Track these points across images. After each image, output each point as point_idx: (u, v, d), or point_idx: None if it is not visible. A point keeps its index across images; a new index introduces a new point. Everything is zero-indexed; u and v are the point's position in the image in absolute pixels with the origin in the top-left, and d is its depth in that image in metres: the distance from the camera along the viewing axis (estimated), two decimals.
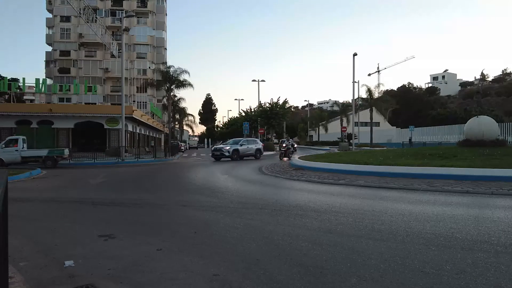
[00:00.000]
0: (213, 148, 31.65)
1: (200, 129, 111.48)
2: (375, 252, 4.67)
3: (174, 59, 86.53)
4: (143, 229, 6.44)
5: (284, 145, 28.85)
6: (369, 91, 50.63)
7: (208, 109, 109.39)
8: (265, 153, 36.86)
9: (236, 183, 13.76)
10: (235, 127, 65.54)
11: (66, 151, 24.19)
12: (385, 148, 36.29)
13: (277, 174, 15.76)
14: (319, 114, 79.23)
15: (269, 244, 5.15)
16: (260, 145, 30.10)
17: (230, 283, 3.80)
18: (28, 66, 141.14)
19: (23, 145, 22.79)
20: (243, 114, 56.73)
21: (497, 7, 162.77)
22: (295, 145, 43.58)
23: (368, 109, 51.77)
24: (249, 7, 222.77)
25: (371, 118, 50.47)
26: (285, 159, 26.04)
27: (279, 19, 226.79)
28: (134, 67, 59.95)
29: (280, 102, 45.22)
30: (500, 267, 4.04)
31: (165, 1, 67.16)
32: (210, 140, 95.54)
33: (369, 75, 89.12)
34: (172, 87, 46.17)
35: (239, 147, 27.87)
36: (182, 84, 45.94)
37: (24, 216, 7.58)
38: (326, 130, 71.95)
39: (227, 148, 27.75)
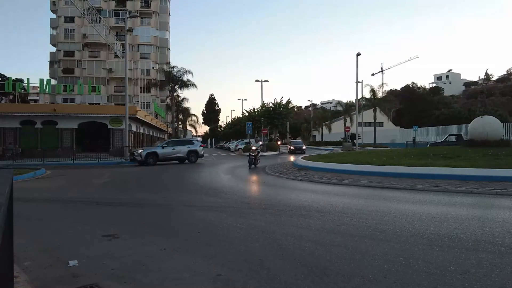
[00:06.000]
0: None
1: (203, 129, 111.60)
2: (379, 252, 4.66)
3: (177, 59, 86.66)
4: (146, 229, 6.45)
5: (254, 148, 21.15)
6: (372, 91, 50.45)
7: (211, 109, 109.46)
8: (266, 153, 36.68)
9: (239, 183, 13.78)
10: (238, 127, 65.50)
11: None
12: (388, 148, 36.16)
13: (280, 174, 15.76)
14: (323, 114, 78.96)
15: (273, 244, 5.15)
16: (196, 146, 25.93)
17: (234, 283, 3.80)
18: (33, 67, 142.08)
19: None
20: (246, 114, 56.64)
21: (501, 7, 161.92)
22: (304, 147, 40.14)
23: (372, 109, 51.55)
24: (253, 7, 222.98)
25: (375, 118, 50.29)
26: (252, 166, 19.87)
27: (283, 19, 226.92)
28: (137, 68, 60.10)
29: (284, 102, 45.13)
30: (504, 268, 4.02)
31: (169, 2, 67.29)
32: (213, 140, 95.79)
33: (373, 75, 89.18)
34: (175, 87, 46.24)
35: (159, 150, 24.21)
36: (186, 84, 45.99)
37: (28, 216, 7.62)
38: (330, 130, 71.73)
39: (140, 151, 24.11)
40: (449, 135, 33.62)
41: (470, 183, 10.93)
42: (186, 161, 24.99)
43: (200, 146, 26.55)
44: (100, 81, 56.59)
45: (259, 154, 21.46)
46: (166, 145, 25.03)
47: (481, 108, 20.62)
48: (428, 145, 33.24)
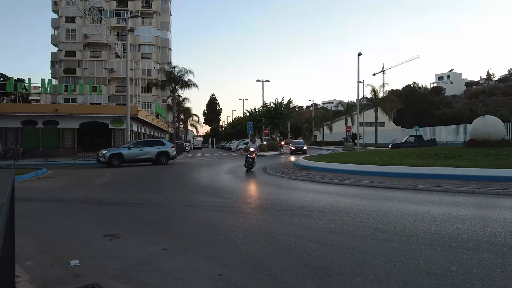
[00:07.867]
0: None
1: (204, 129, 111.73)
2: (380, 252, 4.65)
3: (178, 59, 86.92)
4: (148, 229, 6.46)
5: (252, 149, 18.34)
6: (374, 91, 50.39)
7: (212, 109, 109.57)
8: (267, 153, 36.65)
9: (240, 183, 13.78)
10: (239, 127, 65.52)
11: None
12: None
13: (281, 174, 15.75)
14: (324, 114, 79.01)
15: (274, 244, 5.15)
16: (167, 147, 24.58)
17: (235, 283, 3.80)
18: (34, 67, 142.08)
19: None
20: (248, 114, 56.61)
21: (502, 6, 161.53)
22: (305, 147, 38.68)
23: (373, 109, 51.51)
24: (253, 7, 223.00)
25: (376, 118, 50.24)
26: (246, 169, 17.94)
27: (284, 19, 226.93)
28: (139, 68, 60.15)
29: (285, 102, 45.12)
30: (506, 268, 4.01)
31: (170, 2, 67.34)
32: (214, 140, 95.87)
33: (374, 74, 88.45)
34: (176, 87, 46.24)
35: (124, 151, 23.04)
36: (187, 84, 45.99)
37: (30, 216, 7.63)
38: (331, 130, 71.71)
39: (104, 152, 22.92)
40: (410, 136, 35.87)
41: (472, 183, 10.90)
42: (159, 162, 23.89)
43: (172, 147, 25.28)
44: (101, 81, 56.64)
45: (256, 157, 18.95)
46: (133, 146, 23.85)
47: (482, 108, 20.63)
48: (390, 146, 33.90)
